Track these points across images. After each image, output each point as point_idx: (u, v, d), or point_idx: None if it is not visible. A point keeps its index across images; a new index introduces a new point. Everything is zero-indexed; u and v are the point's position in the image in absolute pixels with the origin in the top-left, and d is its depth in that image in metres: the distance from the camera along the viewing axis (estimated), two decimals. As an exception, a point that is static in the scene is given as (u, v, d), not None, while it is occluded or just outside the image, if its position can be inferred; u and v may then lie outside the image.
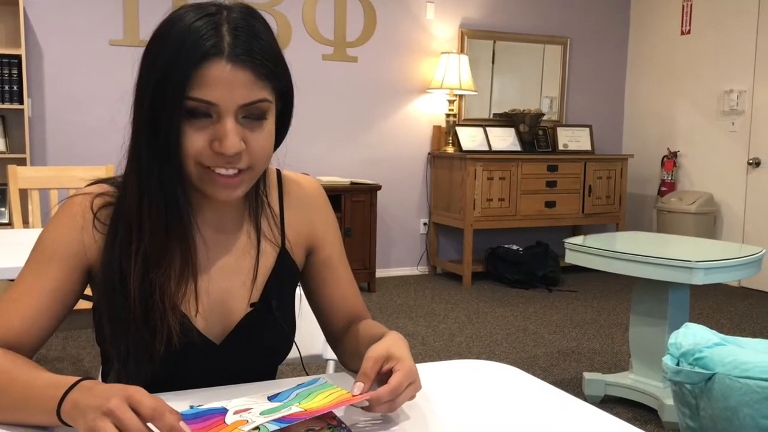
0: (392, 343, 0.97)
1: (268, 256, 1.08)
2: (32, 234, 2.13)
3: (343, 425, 0.85)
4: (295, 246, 1.12)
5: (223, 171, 0.94)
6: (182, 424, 0.76)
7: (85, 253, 1.00)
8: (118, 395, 0.76)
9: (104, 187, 1.02)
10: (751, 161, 5.14)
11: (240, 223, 1.08)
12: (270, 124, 0.97)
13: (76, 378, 0.84)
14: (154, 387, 0.95)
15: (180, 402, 0.93)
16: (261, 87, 0.93)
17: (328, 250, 1.16)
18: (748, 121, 5.16)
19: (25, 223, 3.39)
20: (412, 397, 0.93)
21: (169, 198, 0.96)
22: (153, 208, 0.95)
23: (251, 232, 1.08)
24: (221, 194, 0.97)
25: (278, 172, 1.15)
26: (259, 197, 1.09)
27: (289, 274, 1.11)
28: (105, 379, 1.09)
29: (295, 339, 1.13)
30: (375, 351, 0.94)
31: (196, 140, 0.93)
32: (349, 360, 1.13)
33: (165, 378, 0.99)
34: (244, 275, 1.06)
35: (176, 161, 0.94)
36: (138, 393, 0.77)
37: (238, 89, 0.91)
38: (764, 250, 2.75)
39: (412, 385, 0.93)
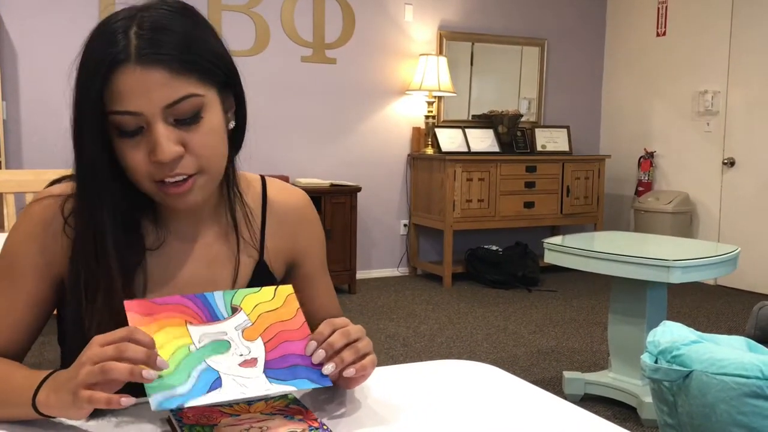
0: (350, 322, 0.95)
1: (246, 267, 1.05)
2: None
3: (325, 427, 0.85)
4: (274, 259, 1.08)
5: (170, 179, 0.89)
6: (160, 360, 0.80)
7: (54, 262, 0.96)
8: (88, 347, 0.79)
9: (72, 188, 0.97)
10: (725, 161, 5.21)
11: (216, 232, 1.04)
12: (210, 120, 0.90)
13: (49, 371, 0.85)
14: (133, 390, 0.94)
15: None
16: (182, 82, 0.86)
17: (309, 266, 1.13)
18: (723, 122, 5.23)
19: (0, 228, 3.34)
20: (363, 367, 0.90)
21: (98, 224, 0.91)
22: (86, 236, 0.92)
23: (229, 241, 1.04)
24: (178, 204, 0.92)
25: (262, 180, 1.10)
26: (233, 203, 1.03)
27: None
28: None
29: None
30: (332, 319, 0.93)
31: (136, 158, 0.88)
32: None
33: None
34: (220, 286, 1.02)
35: (103, 183, 0.90)
36: (103, 335, 0.80)
37: (155, 91, 0.85)
38: (739, 249, 2.79)
39: (362, 342, 0.90)
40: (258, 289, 0.92)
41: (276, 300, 0.91)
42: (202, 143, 0.90)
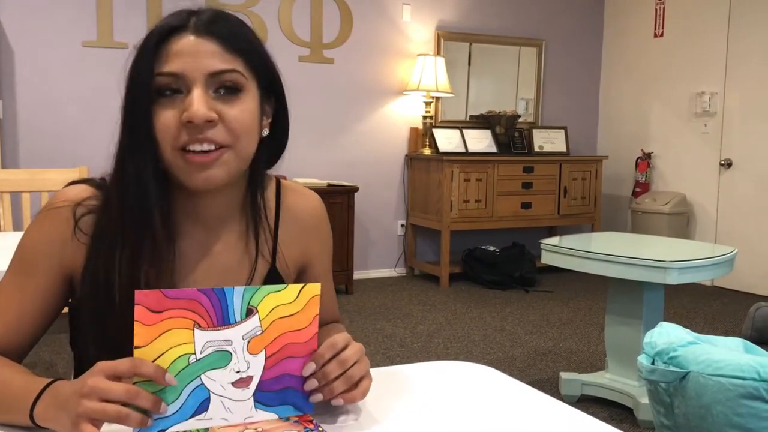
0: (351, 339, 0.94)
1: (257, 275, 1.04)
2: (4, 237, 2.09)
3: (321, 429, 0.85)
4: (286, 265, 1.07)
5: (197, 147, 0.90)
6: (168, 376, 0.79)
7: (67, 262, 0.97)
8: (91, 375, 0.77)
9: (87, 191, 0.98)
10: (723, 162, 5.22)
11: (228, 241, 1.03)
12: (249, 101, 0.93)
13: (48, 380, 0.84)
14: None
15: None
16: (231, 58, 0.92)
17: (317, 270, 1.12)
18: (720, 123, 5.24)
19: (-3, 227, 3.33)
20: (352, 398, 0.90)
21: (143, 192, 0.92)
22: (133, 207, 0.93)
23: (243, 250, 1.03)
24: (199, 177, 0.91)
25: (277, 182, 1.09)
26: (258, 212, 1.02)
27: None
28: None
29: None
30: (335, 337, 0.91)
31: (167, 116, 0.90)
32: None
33: None
34: None
35: (149, 147, 0.91)
36: (107, 363, 0.78)
37: (204, 58, 0.90)
38: (736, 250, 2.79)
39: (358, 367, 0.90)
40: (283, 286, 0.87)
41: (297, 302, 0.87)
42: (237, 117, 0.92)
